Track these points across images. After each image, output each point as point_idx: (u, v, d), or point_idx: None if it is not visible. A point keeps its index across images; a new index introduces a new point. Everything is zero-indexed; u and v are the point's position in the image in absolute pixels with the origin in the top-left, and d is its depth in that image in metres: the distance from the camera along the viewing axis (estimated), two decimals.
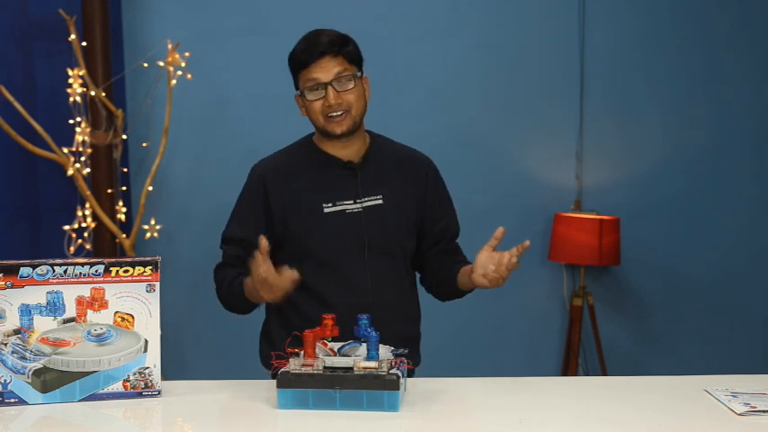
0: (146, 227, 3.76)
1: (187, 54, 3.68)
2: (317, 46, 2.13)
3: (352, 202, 2.20)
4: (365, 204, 2.20)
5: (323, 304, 2.13)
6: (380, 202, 2.21)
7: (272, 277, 1.99)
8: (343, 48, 2.16)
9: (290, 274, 2.00)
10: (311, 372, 1.81)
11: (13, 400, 1.88)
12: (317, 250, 2.17)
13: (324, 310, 1.98)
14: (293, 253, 2.19)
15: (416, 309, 2.34)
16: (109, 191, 3.69)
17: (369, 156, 2.24)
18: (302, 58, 2.15)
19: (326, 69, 2.13)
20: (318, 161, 2.23)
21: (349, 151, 2.23)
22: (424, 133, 3.95)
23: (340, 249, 2.18)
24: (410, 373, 1.96)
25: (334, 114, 2.15)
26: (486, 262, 2.12)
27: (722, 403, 1.87)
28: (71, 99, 3.60)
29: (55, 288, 1.89)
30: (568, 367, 3.99)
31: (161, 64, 3.69)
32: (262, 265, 1.98)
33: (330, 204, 2.19)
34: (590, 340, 4.06)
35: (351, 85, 2.15)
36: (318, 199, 2.19)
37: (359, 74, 2.18)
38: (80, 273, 1.91)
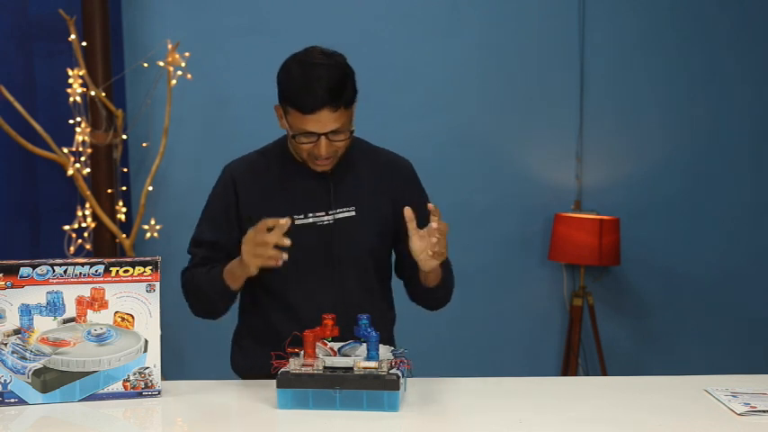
0: (146, 227, 3.76)
1: (187, 54, 3.68)
2: (315, 97, 1.99)
3: (323, 213, 2.14)
4: (337, 216, 2.14)
5: (292, 319, 2.09)
6: (353, 214, 2.15)
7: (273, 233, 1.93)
8: (342, 97, 2.02)
9: (283, 240, 1.94)
10: (311, 372, 1.81)
11: (13, 400, 1.88)
12: (284, 262, 2.11)
13: (292, 324, 1.99)
14: None
15: (388, 319, 2.27)
16: (109, 191, 3.69)
17: (344, 165, 2.16)
18: (299, 103, 2.01)
19: (323, 123, 2.01)
20: (292, 167, 2.16)
21: None
22: (424, 133, 3.97)
23: (308, 262, 2.12)
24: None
25: (320, 160, 2.08)
26: (422, 244, 2.03)
27: (722, 403, 1.87)
28: (71, 99, 3.60)
29: (55, 288, 1.89)
30: (568, 367, 3.99)
31: (161, 64, 3.69)
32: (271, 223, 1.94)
33: (302, 216, 2.13)
34: (590, 340, 4.06)
35: (343, 137, 2.07)
36: (290, 210, 2.12)
37: (352, 128, 2.09)
38: (80, 273, 1.90)
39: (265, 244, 1.94)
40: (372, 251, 2.18)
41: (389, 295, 2.30)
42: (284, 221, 1.95)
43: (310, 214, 2.14)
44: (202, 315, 2.20)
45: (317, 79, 2.00)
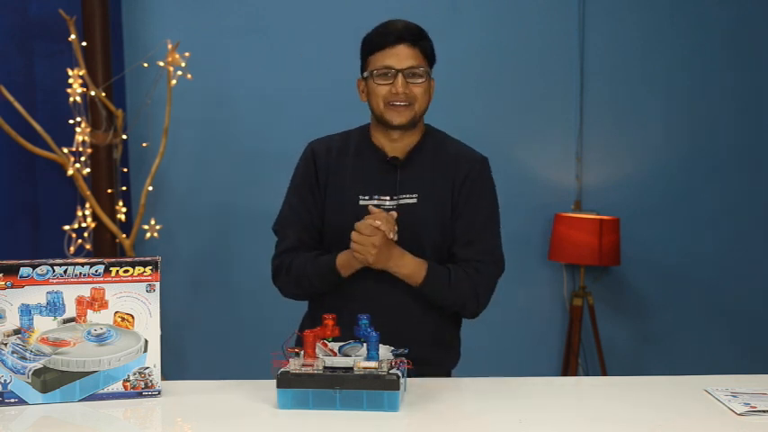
0: (146, 227, 3.76)
1: (187, 54, 3.68)
2: (394, 31, 2.12)
3: (388, 198, 2.17)
4: (401, 202, 2.16)
5: (348, 298, 2.12)
6: (414, 201, 2.17)
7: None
8: (420, 40, 2.14)
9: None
10: (311, 372, 1.81)
11: (13, 400, 1.88)
12: (347, 240, 2.12)
13: (347, 303, 1.99)
14: (326, 235, 2.20)
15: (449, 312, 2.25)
16: (109, 191, 3.69)
17: (415, 152, 2.20)
18: (378, 41, 2.12)
19: (401, 57, 2.11)
20: (366, 151, 2.20)
21: (399, 145, 2.21)
22: None
23: None
24: (409, 373, 1.95)
25: (397, 104, 2.12)
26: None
27: (722, 403, 1.87)
28: (71, 99, 3.59)
29: (55, 288, 1.89)
30: (568, 367, 3.99)
31: (161, 64, 3.69)
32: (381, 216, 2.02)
33: (367, 197, 2.17)
34: (590, 340, 4.06)
35: (421, 80, 2.14)
36: (357, 190, 2.17)
37: (430, 71, 2.17)
38: (80, 273, 1.90)
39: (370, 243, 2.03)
40: (431, 238, 2.18)
41: None
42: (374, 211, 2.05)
43: (375, 196, 2.17)
44: (296, 297, 2.25)
45: (395, 22, 2.16)
